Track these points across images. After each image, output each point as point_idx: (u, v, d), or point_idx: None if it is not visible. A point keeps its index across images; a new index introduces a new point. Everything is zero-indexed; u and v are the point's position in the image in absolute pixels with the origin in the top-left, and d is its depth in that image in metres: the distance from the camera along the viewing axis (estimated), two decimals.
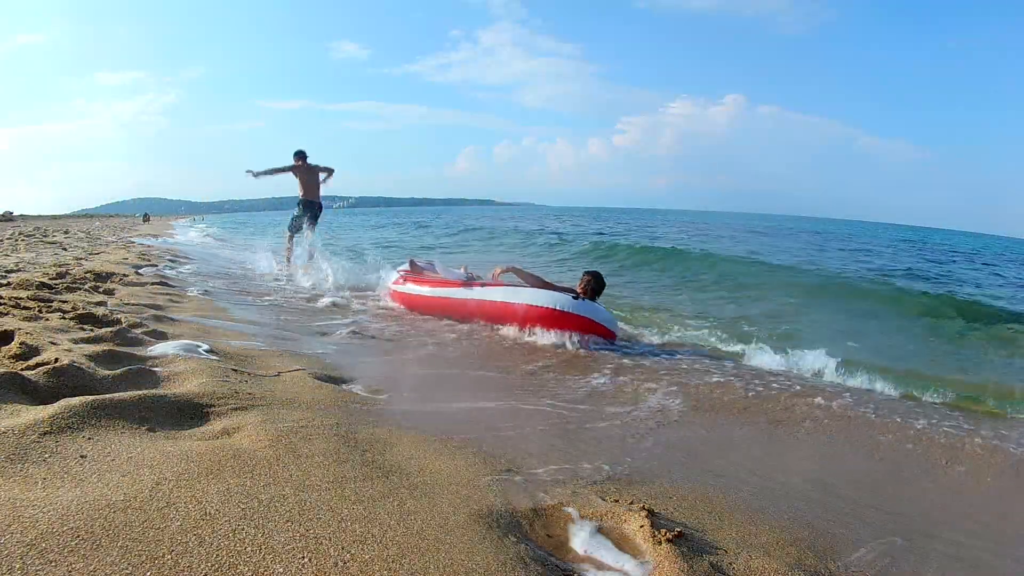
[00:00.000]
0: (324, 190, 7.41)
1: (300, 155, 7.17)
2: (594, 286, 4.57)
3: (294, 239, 7.29)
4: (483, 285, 4.79)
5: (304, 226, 7.11)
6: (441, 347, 3.93)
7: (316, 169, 7.26)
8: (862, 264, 12.68)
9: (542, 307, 4.28)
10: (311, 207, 7.09)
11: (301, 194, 7.06)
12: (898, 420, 2.96)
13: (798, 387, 3.45)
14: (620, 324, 4.72)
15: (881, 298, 7.51)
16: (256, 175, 6.89)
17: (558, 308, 4.22)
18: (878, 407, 3.17)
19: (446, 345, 4.01)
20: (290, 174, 7.14)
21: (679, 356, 4.11)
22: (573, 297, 4.35)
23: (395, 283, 5.38)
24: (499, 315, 4.54)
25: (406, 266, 5.54)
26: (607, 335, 4.30)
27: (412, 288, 5.15)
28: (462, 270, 5.24)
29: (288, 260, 7.19)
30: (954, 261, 15.86)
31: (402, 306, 5.28)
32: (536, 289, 4.56)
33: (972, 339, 5.58)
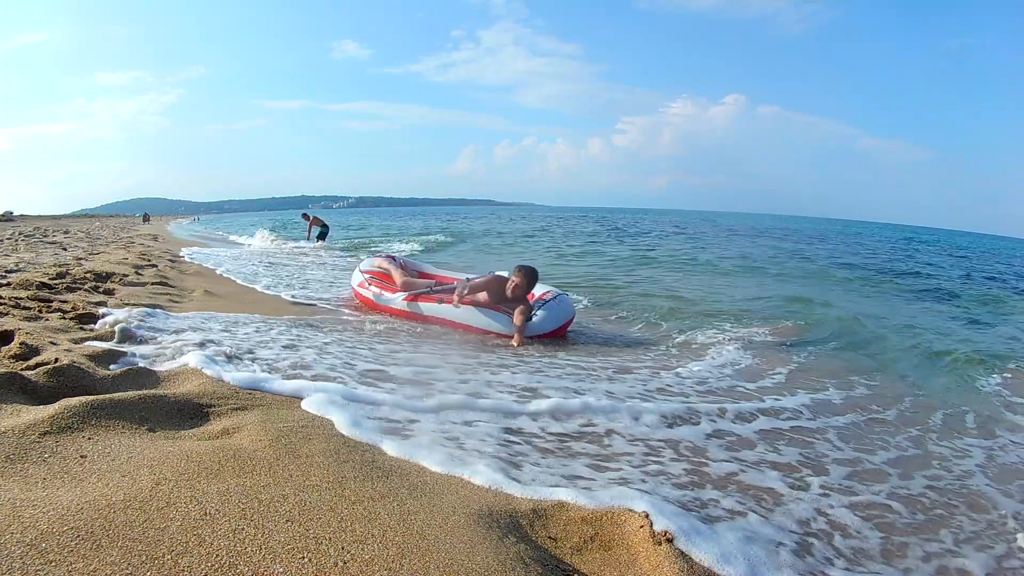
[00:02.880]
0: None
1: (305, 216, 15.61)
2: (527, 285, 4.43)
3: (319, 242, 14.56)
4: (439, 301, 4.63)
5: (323, 237, 14.84)
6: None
7: (319, 218, 15.29)
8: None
9: (503, 333, 4.23)
10: (325, 228, 14.87)
11: (319, 227, 14.78)
12: None
13: None
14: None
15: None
16: (309, 223, 15.03)
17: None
18: None
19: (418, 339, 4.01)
20: (313, 225, 15.18)
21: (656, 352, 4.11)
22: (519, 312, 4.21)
23: (360, 286, 5.24)
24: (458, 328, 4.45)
25: (375, 263, 5.47)
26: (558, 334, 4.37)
27: (373, 293, 5.06)
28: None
29: (309, 240, 14.89)
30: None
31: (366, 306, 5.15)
32: (491, 311, 4.36)
33: None
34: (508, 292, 4.43)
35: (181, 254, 9.49)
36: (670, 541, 1.40)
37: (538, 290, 4.72)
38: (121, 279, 5.11)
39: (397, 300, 4.79)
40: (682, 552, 1.38)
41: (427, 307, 4.63)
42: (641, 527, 1.46)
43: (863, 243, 22.54)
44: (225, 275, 6.94)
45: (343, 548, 1.21)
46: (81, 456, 1.46)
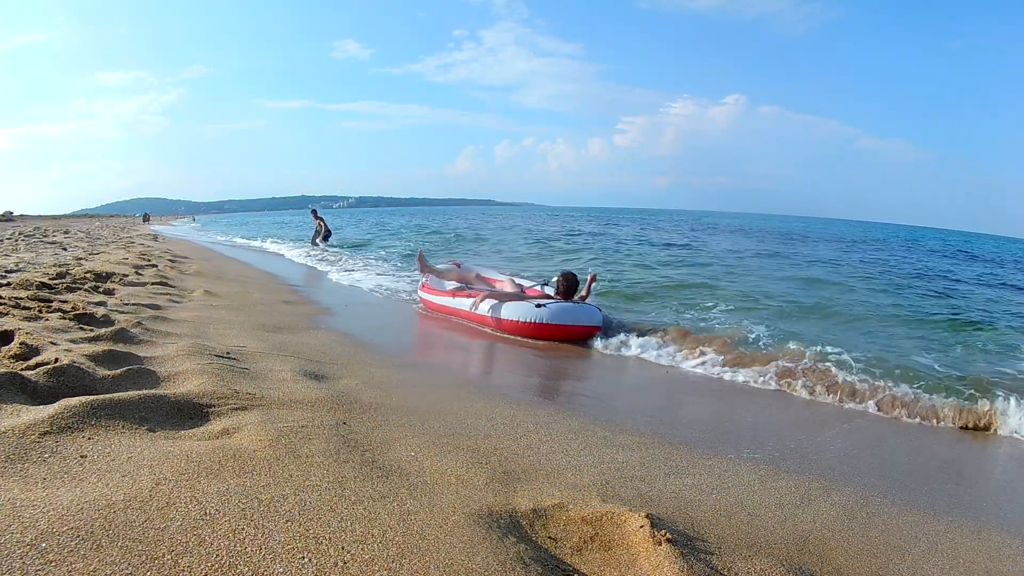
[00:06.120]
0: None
1: (314, 213, 15.49)
2: (566, 287, 4.80)
3: (321, 245, 14.82)
4: (468, 296, 5.14)
5: (327, 240, 14.96)
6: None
7: (323, 220, 15.27)
8: None
9: (525, 322, 4.51)
10: (329, 234, 14.93)
11: (323, 231, 14.85)
12: None
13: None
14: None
15: None
16: (316, 222, 14.95)
17: (538, 321, 4.45)
18: None
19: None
20: (317, 225, 15.22)
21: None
22: (540, 304, 4.54)
23: (421, 288, 6.06)
24: (486, 324, 4.84)
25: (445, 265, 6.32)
26: (591, 331, 4.53)
27: (424, 295, 5.91)
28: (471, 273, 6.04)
29: (315, 244, 14.92)
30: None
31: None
32: (517, 303, 4.70)
33: None
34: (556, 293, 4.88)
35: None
36: (670, 541, 1.40)
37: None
38: (121, 279, 5.11)
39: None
40: (682, 552, 1.38)
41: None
42: (641, 527, 1.46)
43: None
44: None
45: (343, 548, 1.21)
46: (81, 456, 1.46)
